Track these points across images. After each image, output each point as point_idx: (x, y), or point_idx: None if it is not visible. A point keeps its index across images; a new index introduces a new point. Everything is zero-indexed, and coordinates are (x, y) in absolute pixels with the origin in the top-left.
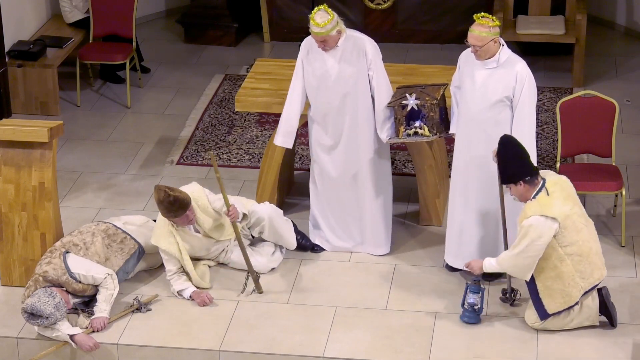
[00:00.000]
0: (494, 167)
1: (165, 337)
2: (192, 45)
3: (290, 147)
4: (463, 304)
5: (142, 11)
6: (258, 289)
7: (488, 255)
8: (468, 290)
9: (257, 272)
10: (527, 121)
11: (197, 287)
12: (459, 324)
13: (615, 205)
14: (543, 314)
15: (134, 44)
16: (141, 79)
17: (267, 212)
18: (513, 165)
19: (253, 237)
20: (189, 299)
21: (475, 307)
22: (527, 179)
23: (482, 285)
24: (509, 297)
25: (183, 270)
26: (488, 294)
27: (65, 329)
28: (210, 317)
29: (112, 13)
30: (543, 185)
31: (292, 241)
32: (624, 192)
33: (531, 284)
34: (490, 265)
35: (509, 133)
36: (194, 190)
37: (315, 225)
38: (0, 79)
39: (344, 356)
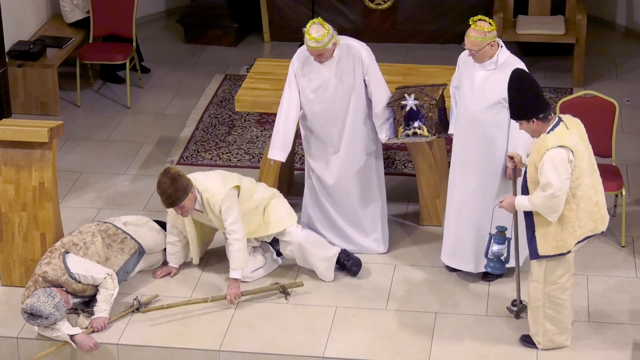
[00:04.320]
0: (491, 167)
1: (165, 337)
2: (192, 45)
3: (284, 160)
4: (487, 254)
5: (142, 11)
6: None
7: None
8: (492, 241)
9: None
10: None
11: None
12: (459, 324)
13: (615, 206)
14: (534, 254)
15: (134, 44)
16: (141, 79)
17: (299, 238)
18: (527, 100)
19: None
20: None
21: (502, 257)
22: (540, 116)
23: (507, 235)
24: (517, 309)
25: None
26: (488, 296)
27: (65, 329)
28: (210, 317)
29: (112, 13)
30: (560, 120)
31: (325, 274)
32: (624, 192)
33: (529, 220)
34: (522, 204)
35: (506, 134)
36: (218, 193)
37: (311, 226)
38: (0, 79)
39: (344, 356)
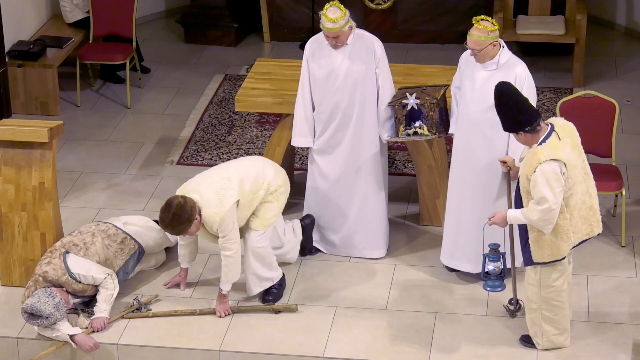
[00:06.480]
0: (491, 168)
1: (165, 337)
2: (192, 45)
3: (313, 145)
4: (483, 275)
5: (142, 11)
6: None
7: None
8: (487, 260)
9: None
10: None
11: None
12: (459, 324)
13: (615, 206)
14: (527, 260)
15: (134, 44)
16: (141, 79)
17: (249, 247)
18: (512, 114)
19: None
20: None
21: (499, 274)
22: (527, 129)
23: (501, 251)
24: (514, 307)
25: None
26: (488, 296)
27: (65, 329)
28: (210, 317)
29: (112, 13)
30: (552, 129)
31: (251, 287)
32: (624, 192)
33: (522, 228)
34: (515, 217)
35: (507, 135)
36: (215, 216)
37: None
38: (0, 79)
39: (344, 356)
